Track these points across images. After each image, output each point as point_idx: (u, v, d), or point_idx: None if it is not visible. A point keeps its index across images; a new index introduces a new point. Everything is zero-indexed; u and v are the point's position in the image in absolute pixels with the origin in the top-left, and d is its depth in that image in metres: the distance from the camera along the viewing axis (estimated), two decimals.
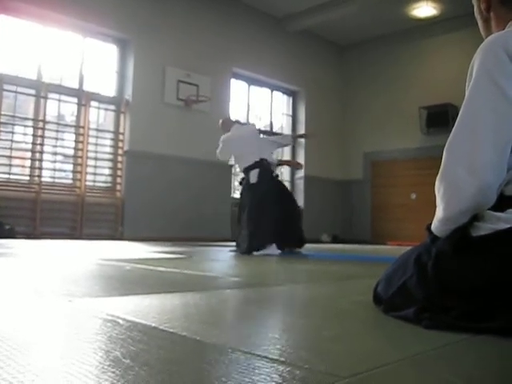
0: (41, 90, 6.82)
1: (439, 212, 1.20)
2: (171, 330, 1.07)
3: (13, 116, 6.77)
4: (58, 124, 7.13)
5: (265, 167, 4.85)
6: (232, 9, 8.69)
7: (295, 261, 4.00)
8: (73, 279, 2.16)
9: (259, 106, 9.71)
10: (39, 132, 6.79)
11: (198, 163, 7.81)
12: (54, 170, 7.09)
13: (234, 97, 8.93)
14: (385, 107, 9.80)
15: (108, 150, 7.60)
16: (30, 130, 6.88)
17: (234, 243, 5.17)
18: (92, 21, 7.11)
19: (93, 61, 7.43)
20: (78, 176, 7.04)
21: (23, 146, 6.89)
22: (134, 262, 3.09)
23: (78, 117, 7.22)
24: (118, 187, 7.38)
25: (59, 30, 7.06)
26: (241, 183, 5.04)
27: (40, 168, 6.78)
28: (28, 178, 6.76)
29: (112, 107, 7.60)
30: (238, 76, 9.00)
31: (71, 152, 7.21)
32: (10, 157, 6.69)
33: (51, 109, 7.11)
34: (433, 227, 1.24)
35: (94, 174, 7.35)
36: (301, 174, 9.80)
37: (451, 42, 9.00)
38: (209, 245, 6.34)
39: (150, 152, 7.47)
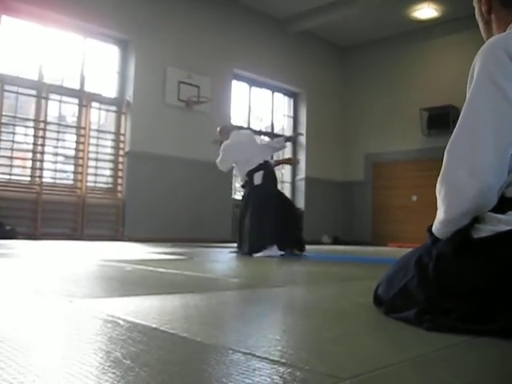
0: (42, 91, 6.83)
1: (440, 214, 1.20)
2: (172, 331, 1.07)
3: (14, 117, 6.78)
4: (59, 125, 7.13)
5: (269, 169, 4.88)
6: (233, 10, 8.70)
7: (296, 262, 4.00)
8: (73, 280, 2.16)
9: (260, 107, 9.71)
10: (40, 133, 6.79)
11: (198, 164, 7.81)
12: (55, 170, 7.09)
13: (235, 98, 8.93)
14: (386, 109, 9.80)
15: (109, 150, 7.60)
16: (31, 131, 6.89)
17: (234, 244, 5.17)
18: (93, 21, 7.12)
19: (94, 62, 7.44)
20: (79, 177, 7.05)
21: (24, 146, 6.89)
22: (134, 262, 3.09)
23: (79, 117, 7.23)
24: (119, 188, 7.38)
25: (60, 30, 7.07)
26: (243, 186, 5.03)
27: (41, 169, 6.78)
28: (29, 178, 6.76)
29: (113, 108, 7.61)
30: (239, 77, 9.00)
31: (72, 153, 7.21)
32: (11, 157, 6.69)
33: (52, 109, 7.11)
34: (434, 229, 1.23)
35: (95, 174, 7.36)
36: (302, 175, 9.81)
37: (452, 44, 9.00)
38: (209, 246, 6.34)
39: (150, 153, 7.47)
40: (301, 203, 9.70)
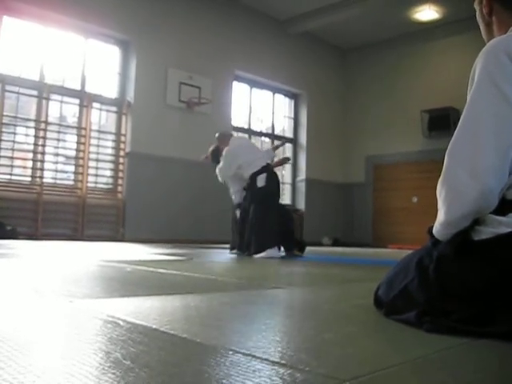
0: (43, 91, 6.83)
1: (441, 216, 1.20)
2: (172, 332, 1.07)
3: (15, 117, 6.79)
4: (59, 125, 7.14)
5: (271, 171, 4.90)
6: (233, 10, 8.70)
7: (296, 264, 4.00)
8: (74, 280, 2.16)
9: (261, 108, 9.72)
10: (41, 133, 6.80)
11: (199, 165, 7.79)
12: (56, 171, 7.10)
13: (236, 99, 8.94)
14: (387, 110, 9.80)
15: (109, 151, 7.61)
16: (32, 131, 6.89)
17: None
18: (93, 22, 7.13)
19: (95, 62, 7.45)
20: (80, 177, 7.05)
21: (25, 146, 6.90)
22: (134, 263, 3.09)
23: (79, 118, 7.23)
24: (120, 189, 7.38)
25: (61, 31, 7.08)
26: (245, 189, 5.04)
27: (42, 169, 6.79)
28: (30, 179, 6.76)
29: (114, 109, 7.61)
30: (239, 78, 9.01)
31: (73, 153, 7.22)
32: (12, 158, 6.70)
33: (53, 110, 7.12)
34: (434, 231, 1.23)
35: (96, 175, 7.36)
36: (302, 176, 9.82)
37: (453, 46, 9.00)
38: (210, 247, 6.34)
39: (151, 154, 7.47)
40: (301, 205, 9.70)
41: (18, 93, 6.74)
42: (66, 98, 7.18)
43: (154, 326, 1.13)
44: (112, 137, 7.59)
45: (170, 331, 1.08)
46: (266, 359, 0.87)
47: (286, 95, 10.06)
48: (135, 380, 0.72)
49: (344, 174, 10.40)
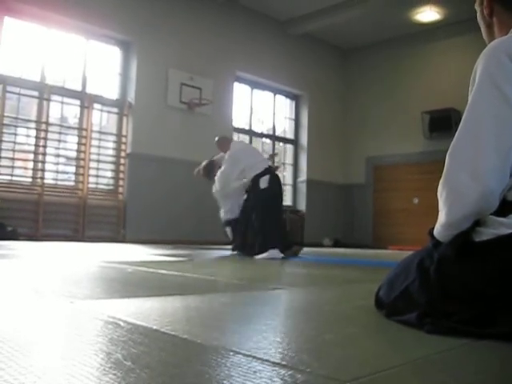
0: (44, 92, 6.84)
1: (442, 217, 1.20)
2: (172, 333, 1.07)
3: (16, 118, 6.79)
4: (60, 126, 7.14)
5: (273, 173, 4.94)
6: (234, 11, 8.70)
7: (297, 265, 4.00)
8: (74, 281, 2.16)
9: (262, 109, 9.72)
10: (42, 134, 6.80)
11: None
12: (57, 172, 7.10)
13: (237, 100, 8.94)
14: (387, 111, 9.80)
15: (110, 152, 7.61)
16: (33, 132, 6.90)
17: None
18: (94, 23, 7.13)
19: (96, 63, 7.45)
20: (81, 178, 7.05)
21: (26, 147, 6.90)
22: (135, 264, 3.09)
23: (80, 119, 7.24)
24: (121, 190, 7.38)
25: (62, 32, 7.09)
26: (247, 191, 5.05)
27: (42, 170, 6.79)
28: (30, 179, 6.77)
29: (115, 110, 7.62)
30: (240, 79, 9.01)
31: (74, 154, 7.22)
32: (13, 158, 6.70)
33: (54, 111, 7.13)
34: (435, 232, 1.23)
35: (97, 176, 7.36)
36: (303, 177, 9.82)
37: (454, 47, 8.99)
38: (210, 248, 6.34)
39: (152, 155, 7.47)
40: (302, 205, 9.70)
41: (18, 94, 6.75)
42: (66, 99, 7.19)
43: (154, 327, 1.13)
44: (113, 138, 7.59)
45: (170, 332, 1.08)
46: (266, 360, 0.87)
47: (287, 96, 10.06)
48: (136, 381, 0.72)
49: (344, 175, 10.40)
